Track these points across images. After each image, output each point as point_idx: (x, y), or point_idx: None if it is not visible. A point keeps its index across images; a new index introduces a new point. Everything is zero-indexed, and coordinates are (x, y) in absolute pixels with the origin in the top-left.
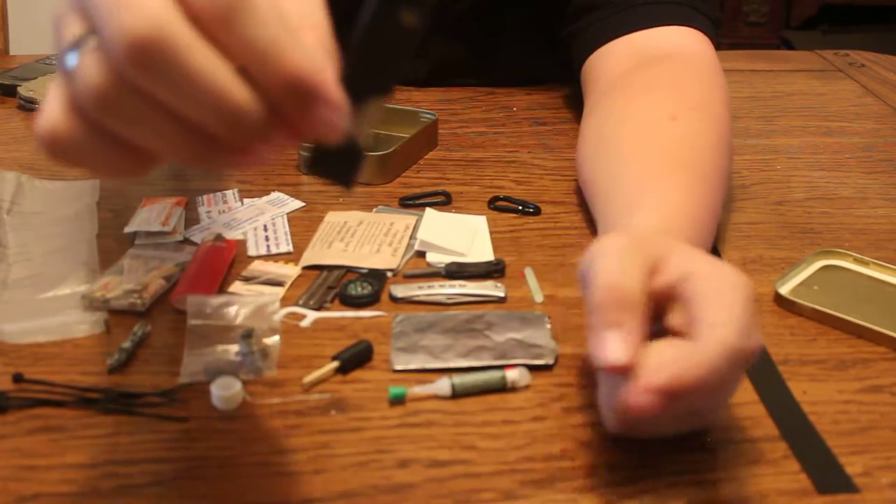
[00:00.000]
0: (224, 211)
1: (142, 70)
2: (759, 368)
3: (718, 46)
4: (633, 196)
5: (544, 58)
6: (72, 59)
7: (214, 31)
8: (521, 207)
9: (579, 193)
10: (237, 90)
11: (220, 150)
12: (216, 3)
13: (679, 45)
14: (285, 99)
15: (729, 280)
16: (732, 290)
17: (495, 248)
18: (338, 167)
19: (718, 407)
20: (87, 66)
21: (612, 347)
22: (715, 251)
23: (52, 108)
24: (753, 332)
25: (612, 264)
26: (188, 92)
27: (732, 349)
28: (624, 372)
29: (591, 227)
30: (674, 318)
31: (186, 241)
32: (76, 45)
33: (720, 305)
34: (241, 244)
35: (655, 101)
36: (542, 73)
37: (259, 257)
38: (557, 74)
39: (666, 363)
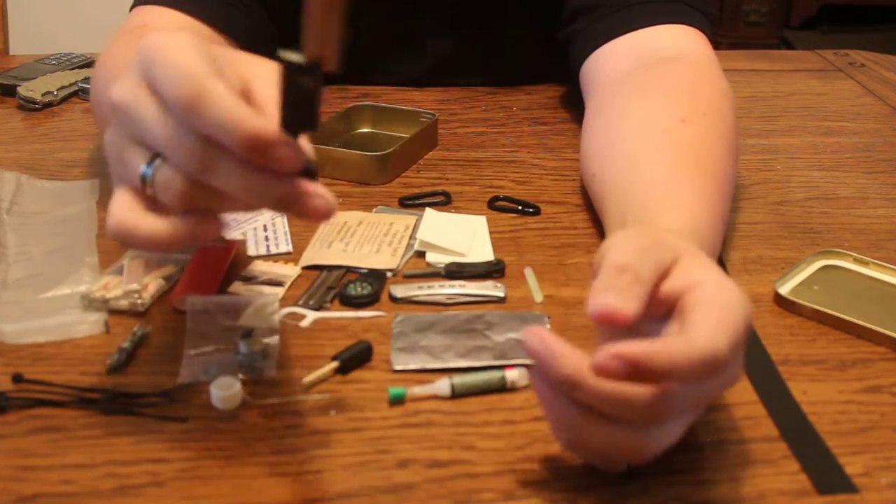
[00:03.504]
0: None
1: (203, 169)
2: (759, 368)
3: (717, 46)
4: (654, 196)
5: (544, 54)
6: (147, 173)
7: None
8: (520, 207)
9: (579, 193)
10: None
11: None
12: (181, 96)
13: (680, 45)
14: (250, 154)
15: (733, 298)
16: (733, 308)
17: (495, 248)
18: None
19: (666, 430)
20: (167, 178)
21: (614, 297)
22: None
23: (128, 210)
24: (738, 360)
25: (629, 252)
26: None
27: (717, 356)
28: (620, 322)
29: (592, 226)
30: (672, 326)
31: None
32: (148, 165)
33: (719, 317)
34: (241, 244)
35: (667, 103)
36: (542, 70)
37: (259, 257)
38: (558, 71)
39: (648, 342)
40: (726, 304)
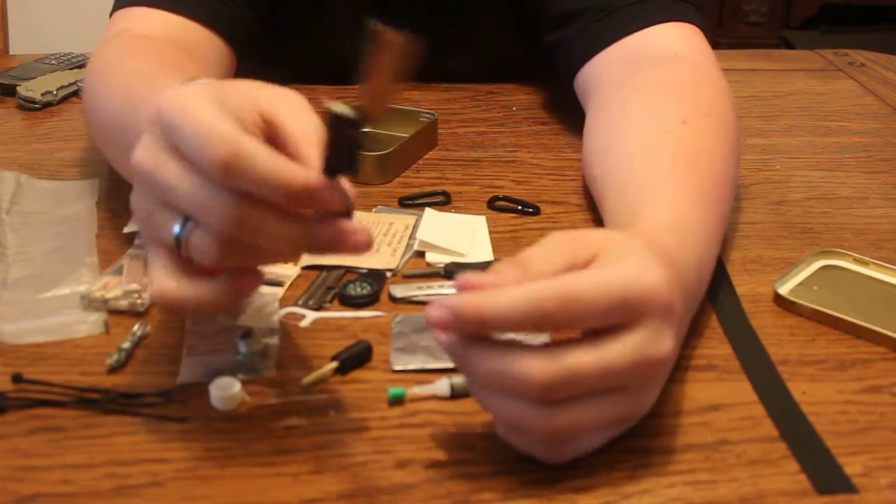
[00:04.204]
0: None
1: (240, 228)
2: (759, 368)
3: (717, 46)
4: (645, 194)
5: (514, 39)
6: (181, 235)
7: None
8: (520, 207)
9: (579, 193)
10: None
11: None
12: (216, 160)
13: (675, 45)
14: (295, 203)
15: (619, 271)
16: (608, 274)
17: (495, 248)
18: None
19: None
20: (201, 241)
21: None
22: None
23: (167, 277)
24: (656, 340)
25: (535, 251)
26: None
27: (535, 303)
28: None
29: (592, 227)
30: None
31: None
32: (181, 227)
33: (584, 272)
34: None
35: (668, 104)
36: (513, 56)
37: None
38: (538, 67)
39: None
40: (601, 264)
